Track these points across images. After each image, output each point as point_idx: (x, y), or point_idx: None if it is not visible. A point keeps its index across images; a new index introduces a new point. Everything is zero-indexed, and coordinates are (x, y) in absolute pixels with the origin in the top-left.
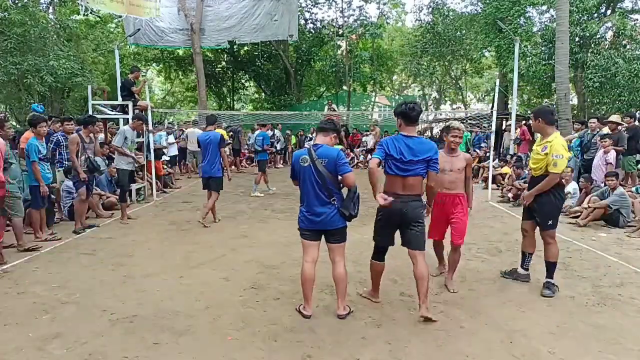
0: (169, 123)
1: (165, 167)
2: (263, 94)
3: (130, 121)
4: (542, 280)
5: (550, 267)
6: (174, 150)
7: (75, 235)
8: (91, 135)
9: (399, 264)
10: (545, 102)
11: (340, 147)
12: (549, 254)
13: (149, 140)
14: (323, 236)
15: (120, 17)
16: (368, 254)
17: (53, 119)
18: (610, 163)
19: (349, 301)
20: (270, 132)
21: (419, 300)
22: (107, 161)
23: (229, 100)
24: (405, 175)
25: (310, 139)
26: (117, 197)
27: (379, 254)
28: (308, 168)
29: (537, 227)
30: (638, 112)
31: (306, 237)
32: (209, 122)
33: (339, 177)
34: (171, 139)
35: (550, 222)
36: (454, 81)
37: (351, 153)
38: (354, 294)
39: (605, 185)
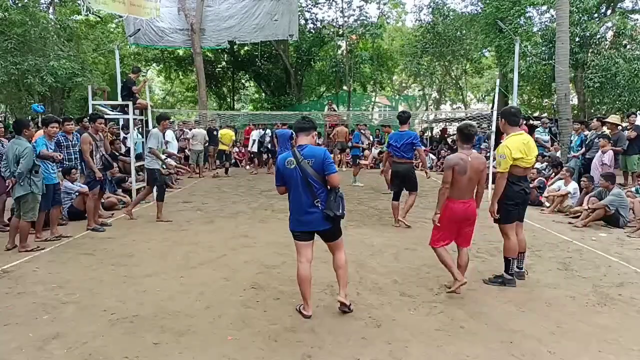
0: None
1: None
2: (263, 94)
3: (154, 124)
4: (542, 280)
5: (505, 261)
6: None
7: (94, 233)
8: (100, 133)
9: (401, 266)
10: (546, 102)
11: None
12: (503, 248)
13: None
14: (318, 235)
15: (121, 17)
16: (367, 254)
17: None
18: (606, 164)
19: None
20: (261, 131)
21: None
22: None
23: (229, 100)
24: (401, 153)
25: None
26: (117, 197)
27: (395, 195)
28: (294, 170)
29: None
30: (638, 112)
31: (298, 238)
32: (283, 124)
33: (325, 178)
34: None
35: (498, 216)
36: (454, 81)
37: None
38: (354, 294)
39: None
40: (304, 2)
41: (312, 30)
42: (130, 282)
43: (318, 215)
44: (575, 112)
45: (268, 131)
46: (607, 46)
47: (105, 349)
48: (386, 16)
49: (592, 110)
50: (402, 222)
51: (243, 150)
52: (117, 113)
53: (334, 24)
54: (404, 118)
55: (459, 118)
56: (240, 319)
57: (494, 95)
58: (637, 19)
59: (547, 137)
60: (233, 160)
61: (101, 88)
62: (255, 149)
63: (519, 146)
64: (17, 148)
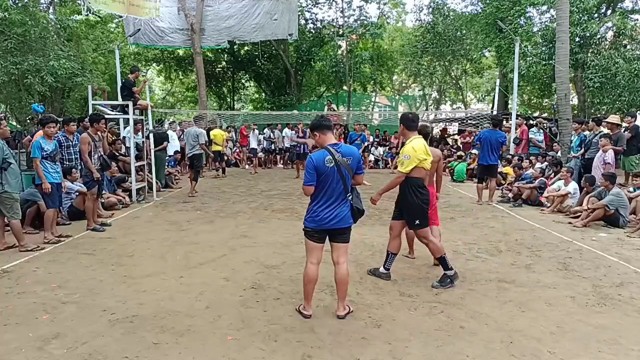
0: (169, 122)
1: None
2: (263, 94)
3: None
4: (542, 280)
5: (440, 261)
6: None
7: (94, 233)
8: (99, 133)
9: (401, 266)
10: (546, 102)
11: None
12: (431, 253)
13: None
14: (334, 236)
15: (121, 17)
16: (367, 254)
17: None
18: (608, 163)
19: (349, 301)
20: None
21: None
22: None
23: (229, 100)
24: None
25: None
26: (117, 197)
27: (480, 180)
28: (333, 168)
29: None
30: (638, 112)
31: (315, 239)
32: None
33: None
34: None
35: (417, 222)
36: (454, 81)
37: None
38: (354, 293)
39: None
40: (304, 2)
41: (312, 30)
42: (130, 282)
43: (346, 213)
44: (575, 112)
45: (277, 132)
46: (607, 46)
47: (105, 349)
48: (386, 16)
49: (592, 110)
50: (490, 204)
51: (238, 150)
52: (117, 113)
53: (334, 24)
54: (497, 122)
55: (459, 118)
56: (240, 319)
57: (494, 95)
58: (637, 19)
59: (542, 137)
60: (233, 161)
61: (101, 88)
62: (255, 146)
63: (422, 148)
64: None
